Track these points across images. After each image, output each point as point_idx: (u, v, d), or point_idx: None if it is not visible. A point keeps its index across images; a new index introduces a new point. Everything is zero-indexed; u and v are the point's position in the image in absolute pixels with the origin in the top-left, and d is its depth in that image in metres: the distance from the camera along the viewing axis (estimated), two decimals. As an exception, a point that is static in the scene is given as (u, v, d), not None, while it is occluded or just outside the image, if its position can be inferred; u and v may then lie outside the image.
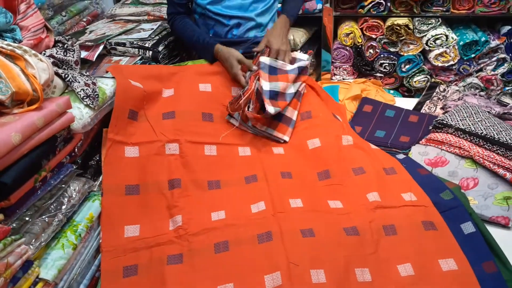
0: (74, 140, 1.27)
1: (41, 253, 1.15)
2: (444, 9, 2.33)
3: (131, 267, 1.22)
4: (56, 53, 1.38)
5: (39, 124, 1.06)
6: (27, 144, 1.03)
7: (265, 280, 1.16)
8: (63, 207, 1.20)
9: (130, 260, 1.24)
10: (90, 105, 1.30)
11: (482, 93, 2.05)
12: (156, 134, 1.50)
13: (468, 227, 1.28)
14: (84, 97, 1.29)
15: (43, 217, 1.14)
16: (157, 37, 1.88)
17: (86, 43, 1.74)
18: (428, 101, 2.05)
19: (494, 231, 1.31)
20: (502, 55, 2.30)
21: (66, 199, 1.22)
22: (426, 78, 2.45)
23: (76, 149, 1.31)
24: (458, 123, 1.59)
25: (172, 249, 1.25)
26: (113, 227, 1.30)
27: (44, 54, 1.36)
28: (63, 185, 1.23)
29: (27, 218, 1.11)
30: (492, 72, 2.32)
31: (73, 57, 1.43)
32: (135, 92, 1.52)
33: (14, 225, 1.07)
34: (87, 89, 1.32)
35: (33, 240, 1.09)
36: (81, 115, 1.28)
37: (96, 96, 1.34)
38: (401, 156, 1.64)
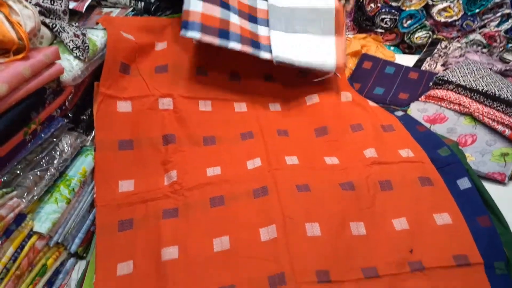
0: (64, 93, 1.23)
1: (35, 207, 1.14)
2: (449, -39, 2.22)
3: (126, 221, 1.22)
4: (43, 2, 1.32)
5: (26, 75, 1.02)
6: (14, 95, 0.99)
7: (261, 233, 1.16)
8: (55, 161, 1.18)
9: (125, 214, 1.23)
10: (80, 56, 1.26)
11: (484, 50, 2.00)
12: (149, 89, 1.45)
13: (464, 183, 1.28)
14: (74, 48, 1.24)
15: (35, 171, 1.13)
16: (149, -12, 1.79)
17: (75, -8, 1.66)
18: (429, 58, 2.00)
19: (490, 187, 1.30)
20: (507, 10, 2.22)
21: (58, 153, 1.20)
22: (427, 35, 2.37)
23: (66, 102, 1.27)
24: (459, 80, 1.56)
25: (167, 204, 1.24)
26: (107, 182, 1.28)
27: (30, 2, 1.29)
28: (55, 139, 1.21)
29: (18, 172, 1.09)
30: (496, 28, 2.25)
31: (61, 6, 1.36)
32: (127, 44, 1.47)
33: (5, 178, 1.05)
34: (76, 40, 1.26)
35: (25, 194, 1.08)
36: (70, 67, 1.23)
37: (86, 47, 1.29)
38: (399, 113, 1.62)
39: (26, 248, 1.06)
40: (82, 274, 1.19)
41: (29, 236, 1.08)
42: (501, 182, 1.36)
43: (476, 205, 1.23)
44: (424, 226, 1.20)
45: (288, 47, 1.52)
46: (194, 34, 1.36)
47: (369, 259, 1.13)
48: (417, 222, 1.21)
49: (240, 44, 1.42)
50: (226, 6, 1.46)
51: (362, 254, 1.14)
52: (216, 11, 1.42)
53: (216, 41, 1.38)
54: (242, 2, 1.54)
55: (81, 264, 1.26)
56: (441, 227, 1.20)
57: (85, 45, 1.28)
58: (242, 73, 1.62)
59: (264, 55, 1.48)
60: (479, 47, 2.05)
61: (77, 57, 1.26)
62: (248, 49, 1.43)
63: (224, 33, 1.40)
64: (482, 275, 1.11)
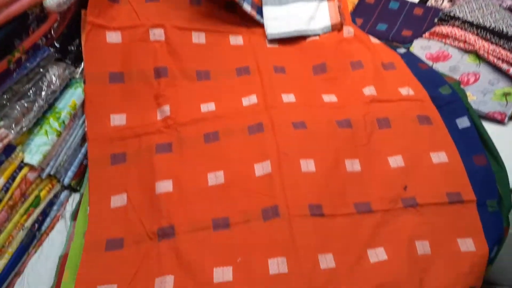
0: (48, 20, 1.16)
1: (24, 139, 1.12)
2: None
3: (119, 155, 1.20)
4: None
5: (6, -3, 0.95)
6: (-6, 18, 0.93)
7: (255, 168, 1.16)
8: (43, 92, 1.14)
9: (118, 148, 1.21)
10: (64, -20, 1.17)
11: (494, -15, 1.90)
12: (139, 18, 1.38)
13: (463, 122, 1.26)
14: (57, -29, 1.16)
15: (22, 101, 1.09)
16: None
17: None
18: (435, -7, 1.90)
19: (489, 127, 1.28)
20: None
21: (45, 84, 1.16)
22: (435, -31, 2.25)
23: (52, 31, 1.21)
24: (466, 15, 1.49)
25: (160, 138, 1.22)
26: (98, 116, 1.25)
27: None
28: (41, 69, 1.16)
29: (4, 102, 1.06)
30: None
31: None
32: None
33: (-9, 108, 1.02)
34: (59, -38, 1.17)
35: (13, 125, 1.05)
36: (54, -9, 1.15)
37: (71, -30, 1.20)
38: (402, 50, 1.56)
39: (18, 179, 1.05)
40: (76, 206, 1.20)
41: (20, 167, 1.07)
42: (500, 122, 1.33)
43: (473, 144, 1.22)
44: (419, 164, 1.19)
45: (282, 20, 1.53)
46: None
47: (363, 194, 1.13)
48: (413, 160, 1.20)
49: None
50: None
51: (356, 190, 1.13)
52: None
53: None
54: None
55: (75, 196, 1.26)
56: (437, 165, 1.19)
57: (70, -33, 1.19)
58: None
59: (247, 7, 1.46)
60: (489, -18, 1.94)
61: (61, -20, 1.17)
62: None
63: None
64: (473, 212, 1.12)
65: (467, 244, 1.07)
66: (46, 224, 1.18)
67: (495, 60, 1.39)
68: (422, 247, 1.05)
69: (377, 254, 1.03)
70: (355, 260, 1.01)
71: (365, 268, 1.01)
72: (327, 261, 1.00)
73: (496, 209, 1.12)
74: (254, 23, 1.53)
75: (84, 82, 1.26)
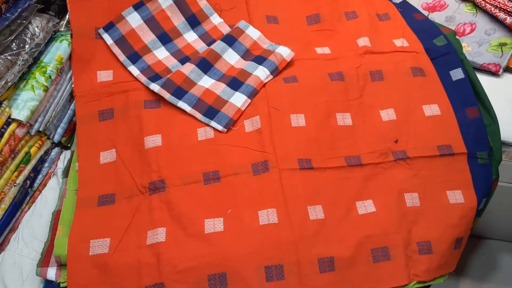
0: (28, -33, 1.11)
1: (10, 94, 1.10)
2: None
3: (107, 111, 1.18)
4: None
5: None
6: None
7: (245, 124, 1.15)
8: (27, 45, 1.11)
9: (105, 104, 1.19)
10: None
11: None
12: None
13: (457, 74, 1.24)
14: None
15: (5, 55, 1.06)
16: None
17: None
18: None
19: (483, 78, 1.27)
20: None
21: (28, 36, 1.12)
22: None
23: (32, -20, 1.15)
24: (465, -38, 1.43)
25: (148, 95, 1.20)
26: (85, 71, 1.22)
27: None
28: (24, 21, 1.11)
29: (-14, 55, 1.02)
30: None
31: None
32: None
33: (-28, 61, 0.99)
34: None
35: (-2, 79, 1.03)
36: None
37: None
38: (397, 0, 1.51)
39: (6, 134, 1.04)
40: (68, 163, 1.19)
41: (7, 123, 1.05)
42: (495, 74, 1.31)
43: (466, 96, 1.21)
44: (411, 117, 1.19)
45: None
46: (107, 40, 1.25)
47: (353, 148, 1.13)
48: (405, 113, 1.19)
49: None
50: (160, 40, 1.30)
51: (347, 143, 1.13)
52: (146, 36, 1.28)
53: (121, 57, 1.24)
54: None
55: (66, 153, 1.26)
56: (429, 118, 1.18)
57: None
58: None
59: None
60: None
61: None
62: None
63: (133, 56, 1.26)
64: (464, 164, 1.13)
65: (456, 196, 1.09)
66: (38, 181, 1.19)
67: (492, 9, 1.35)
68: (411, 199, 1.07)
69: (365, 206, 1.05)
70: (344, 212, 1.03)
71: (353, 220, 1.03)
72: (316, 212, 1.02)
73: (486, 161, 1.13)
74: None
75: (71, 36, 1.22)
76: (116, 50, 1.24)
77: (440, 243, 1.03)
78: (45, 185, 1.20)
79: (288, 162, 1.07)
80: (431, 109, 1.19)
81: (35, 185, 1.19)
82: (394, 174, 1.11)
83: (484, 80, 1.25)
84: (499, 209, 1.42)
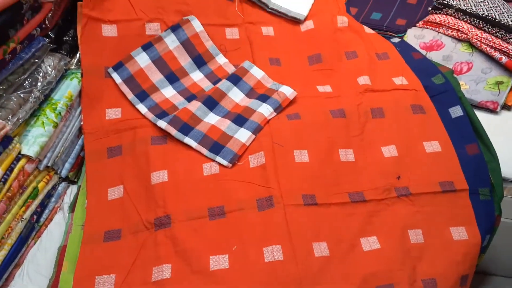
0: (43, 10, 1.16)
1: (21, 130, 1.12)
2: None
3: (115, 148, 1.21)
4: None
5: (-1, -13, 0.95)
6: (-13, 9, 0.93)
7: (250, 160, 1.17)
8: (39, 83, 1.14)
9: (114, 141, 1.22)
10: (58, -30, 1.17)
11: (489, -27, 1.90)
12: (135, 12, 1.37)
13: (456, 111, 1.27)
14: (50, -39, 1.15)
15: (18, 92, 1.09)
16: None
17: None
18: (430, -18, 1.90)
19: (481, 115, 1.30)
20: None
21: (41, 75, 1.16)
22: (430, -43, 2.24)
23: (47, 21, 1.21)
24: (460, 4, 1.50)
25: (155, 131, 1.22)
26: (94, 109, 1.25)
27: None
28: (37, 60, 1.16)
29: (0, 93, 1.06)
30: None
31: None
32: None
33: (-13, 99, 1.02)
34: (52, -49, 1.16)
35: (10, 116, 1.06)
36: (48, -19, 1.15)
37: (64, -39, 1.19)
38: (396, 39, 1.57)
39: (16, 170, 1.06)
40: (74, 198, 1.21)
41: (17, 159, 1.07)
42: (493, 111, 1.35)
43: (466, 133, 1.24)
44: (413, 153, 1.21)
45: None
46: (116, 79, 1.29)
47: (357, 184, 1.15)
48: (406, 149, 1.22)
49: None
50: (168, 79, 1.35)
51: (350, 179, 1.15)
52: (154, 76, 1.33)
53: (129, 95, 1.29)
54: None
55: (73, 188, 1.27)
56: (430, 154, 1.21)
57: (63, -43, 1.18)
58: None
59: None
60: (484, -29, 1.95)
61: (54, -29, 1.17)
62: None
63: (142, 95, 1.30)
64: (466, 200, 1.14)
65: (459, 233, 1.09)
66: (44, 215, 1.20)
67: (488, 49, 1.40)
68: (415, 235, 1.08)
69: (370, 243, 1.05)
70: (348, 249, 1.03)
71: (358, 256, 1.03)
72: (321, 249, 1.02)
73: (488, 198, 1.15)
74: (251, 14, 1.52)
75: (82, 75, 1.26)
76: (125, 89, 1.28)
77: (446, 280, 1.03)
78: (51, 219, 1.20)
79: (292, 198, 1.08)
80: (432, 146, 1.22)
81: (42, 219, 1.19)
82: (397, 210, 1.12)
83: (482, 117, 1.28)
84: (503, 245, 1.42)
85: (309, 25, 1.54)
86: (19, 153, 1.08)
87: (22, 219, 1.10)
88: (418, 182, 1.15)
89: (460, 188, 1.14)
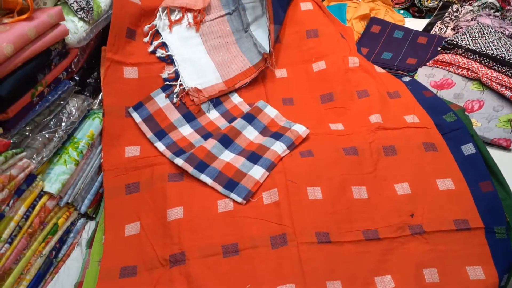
0: (70, 55, 1.24)
1: (44, 168, 1.17)
2: None
3: (133, 185, 1.24)
4: (45, -38, 1.29)
5: (31, 35, 1.02)
6: (20, 56, 1.00)
7: (263, 197, 1.19)
8: (63, 123, 1.20)
9: (132, 178, 1.26)
10: (85, 18, 1.25)
11: (497, 13, 1.94)
12: (155, 55, 1.45)
13: (468, 149, 1.28)
14: (78, 10, 1.23)
15: (43, 132, 1.15)
16: None
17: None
18: (439, 22, 1.95)
19: (494, 153, 1.30)
20: (523, -28, 2.14)
21: (65, 115, 1.21)
22: (439, -2, 2.31)
23: (72, 65, 1.28)
24: (469, 44, 1.53)
25: (172, 168, 1.26)
26: (114, 147, 1.30)
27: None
28: (62, 102, 1.22)
29: (27, 133, 1.11)
30: (510, -9, 2.18)
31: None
32: (132, 8, 1.45)
33: (15, 139, 1.07)
34: (80, 1, 1.25)
35: (35, 155, 1.11)
36: (75, 29, 1.23)
37: (91, 9, 1.27)
38: (406, 78, 1.60)
39: (37, 207, 1.09)
40: (92, 234, 1.23)
41: (40, 196, 1.11)
42: (506, 148, 1.35)
43: (479, 171, 1.23)
44: (426, 191, 1.21)
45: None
46: (136, 118, 1.35)
47: (370, 222, 1.15)
48: (419, 187, 1.22)
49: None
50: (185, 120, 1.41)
51: (363, 217, 1.16)
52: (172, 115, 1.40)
53: (148, 134, 1.35)
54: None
55: (91, 224, 1.30)
56: (443, 192, 1.21)
57: (89, 6, 1.27)
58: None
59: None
60: (492, 11, 1.99)
61: (81, 18, 1.25)
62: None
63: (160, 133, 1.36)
64: (482, 239, 1.12)
65: (476, 272, 1.08)
66: (63, 251, 1.22)
67: (499, 87, 1.42)
68: (430, 274, 1.07)
69: (384, 282, 1.04)
70: (362, 287, 1.03)
71: (373, 296, 1.02)
72: (335, 288, 1.02)
73: (504, 236, 1.13)
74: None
75: (103, 115, 1.32)
76: (144, 128, 1.33)
77: (463, 321, 1.01)
78: (69, 255, 1.23)
79: (306, 236, 1.09)
80: (445, 183, 1.22)
81: (60, 255, 1.22)
82: (411, 248, 1.11)
83: (495, 154, 1.28)
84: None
85: (321, 65, 1.58)
86: (42, 190, 1.12)
87: (41, 255, 1.13)
88: (432, 220, 1.15)
89: (475, 227, 1.13)
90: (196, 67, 1.45)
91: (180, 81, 1.42)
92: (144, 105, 1.36)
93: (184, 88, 1.41)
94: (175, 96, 1.40)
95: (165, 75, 1.43)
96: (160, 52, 1.45)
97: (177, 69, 1.43)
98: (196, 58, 1.47)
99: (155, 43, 1.45)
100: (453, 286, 1.06)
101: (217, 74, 1.44)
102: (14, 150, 1.02)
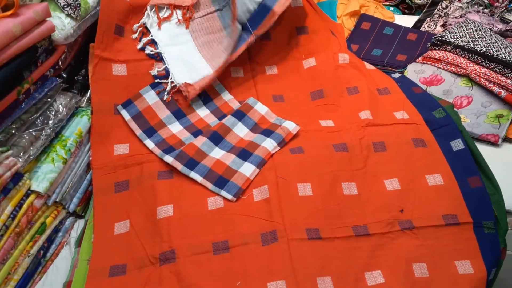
0: (56, 52, 1.22)
1: (31, 167, 1.15)
2: None
3: (123, 183, 1.23)
4: (31, -42, 1.27)
5: (17, 32, 1.00)
6: (5, 53, 0.98)
7: (254, 194, 1.19)
8: (50, 121, 1.18)
9: (121, 176, 1.25)
10: (72, 14, 1.23)
11: (485, 10, 1.96)
12: (144, 52, 1.43)
13: (457, 144, 1.29)
14: (65, 6, 1.21)
15: (30, 130, 1.13)
16: None
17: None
18: (428, 19, 1.97)
19: (483, 148, 1.32)
20: (511, -31, 2.16)
21: (52, 113, 1.20)
22: (428, -5, 2.32)
23: (60, 62, 1.26)
24: (458, 40, 1.54)
25: (162, 166, 1.25)
26: (102, 145, 1.29)
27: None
28: (49, 99, 1.20)
29: (13, 131, 1.10)
30: (499, -12, 2.19)
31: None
32: (121, 4, 1.43)
33: (1, 138, 1.06)
34: (67, -3, 1.23)
35: (22, 153, 1.09)
36: (62, 25, 1.21)
37: (78, 5, 1.26)
38: (396, 75, 1.61)
39: (25, 206, 1.08)
40: (81, 233, 1.22)
41: (27, 195, 1.10)
42: (494, 144, 1.36)
43: (468, 166, 1.25)
44: (415, 187, 1.22)
45: None
46: (125, 115, 1.34)
47: (360, 218, 1.15)
48: (409, 182, 1.23)
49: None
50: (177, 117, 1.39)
51: (353, 213, 1.16)
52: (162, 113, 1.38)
53: (137, 131, 1.33)
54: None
55: (80, 223, 1.29)
56: (433, 187, 1.22)
57: (77, 2, 1.25)
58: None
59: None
60: (481, 7, 2.01)
61: (68, 15, 1.23)
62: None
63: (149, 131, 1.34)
64: (470, 233, 1.14)
65: (464, 267, 1.09)
66: (51, 250, 1.21)
67: (487, 83, 1.43)
68: (420, 269, 1.07)
69: (374, 277, 1.05)
70: (353, 283, 1.03)
71: (363, 291, 1.02)
72: (325, 284, 1.02)
73: (493, 231, 1.14)
74: (256, 54, 1.57)
75: (91, 112, 1.31)
76: (133, 125, 1.32)
77: (452, 315, 1.02)
78: (57, 254, 1.21)
79: (296, 232, 1.09)
80: (434, 179, 1.23)
81: (48, 254, 1.20)
82: (401, 243, 1.12)
83: (484, 150, 1.30)
84: (510, 278, 1.40)
85: (311, 62, 1.58)
86: (29, 189, 1.10)
87: (29, 255, 1.12)
88: (421, 215, 1.16)
89: (463, 221, 1.14)
90: (187, 64, 1.44)
91: (171, 78, 1.40)
92: (133, 103, 1.35)
93: (175, 85, 1.39)
94: (165, 93, 1.39)
95: (154, 72, 1.41)
96: (149, 49, 1.43)
97: (167, 66, 1.42)
98: (186, 55, 1.46)
99: (144, 40, 1.44)
100: (442, 280, 1.06)
101: (209, 68, 1.42)
102: (0, 149, 1.00)
